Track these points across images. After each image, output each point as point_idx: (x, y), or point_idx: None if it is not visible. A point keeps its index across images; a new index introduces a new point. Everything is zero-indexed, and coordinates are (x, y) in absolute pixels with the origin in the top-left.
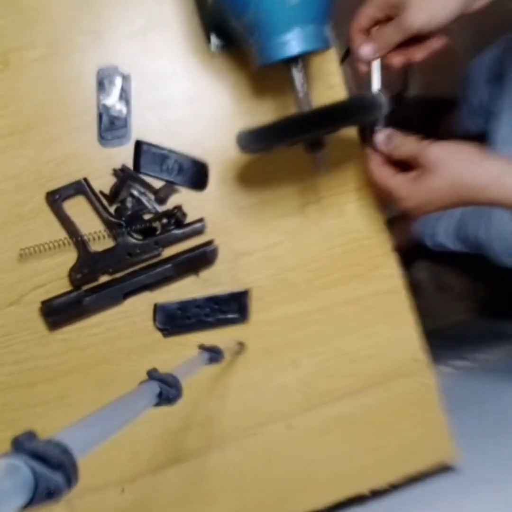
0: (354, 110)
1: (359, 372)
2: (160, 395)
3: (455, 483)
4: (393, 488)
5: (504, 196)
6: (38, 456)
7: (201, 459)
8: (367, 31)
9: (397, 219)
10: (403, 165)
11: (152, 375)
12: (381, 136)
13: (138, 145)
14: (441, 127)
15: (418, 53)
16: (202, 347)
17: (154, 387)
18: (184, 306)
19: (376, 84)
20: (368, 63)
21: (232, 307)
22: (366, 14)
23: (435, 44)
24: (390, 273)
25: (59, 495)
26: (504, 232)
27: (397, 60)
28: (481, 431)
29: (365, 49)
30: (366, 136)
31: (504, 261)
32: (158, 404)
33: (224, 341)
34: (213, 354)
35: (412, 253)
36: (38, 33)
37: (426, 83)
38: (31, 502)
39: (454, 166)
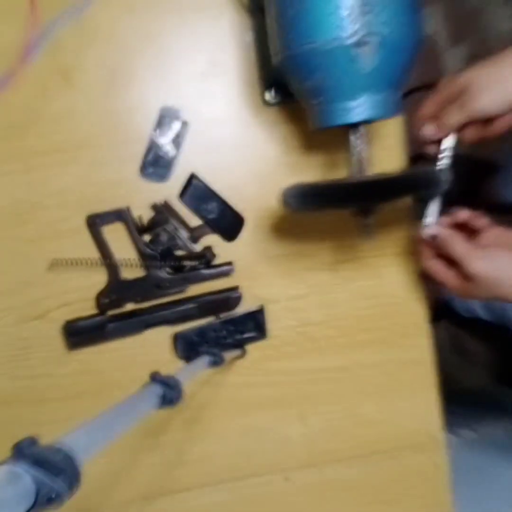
0: (413, 184)
1: (367, 437)
2: (162, 397)
3: None
4: None
5: None
6: (39, 462)
7: (192, 494)
8: (434, 117)
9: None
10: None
11: (155, 377)
12: (427, 233)
13: (192, 177)
14: (480, 195)
15: (489, 131)
16: (204, 351)
17: (157, 390)
18: (202, 332)
19: (445, 161)
20: (437, 145)
21: (248, 326)
22: (434, 101)
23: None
24: (420, 343)
25: (61, 501)
26: None
27: (469, 134)
28: (481, 508)
29: (427, 129)
30: (419, 209)
31: None
32: (160, 406)
33: None
34: (215, 357)
35: (437, 312)
36: (102, 56)
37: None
38: (32, 508)
39: (494, 285)
